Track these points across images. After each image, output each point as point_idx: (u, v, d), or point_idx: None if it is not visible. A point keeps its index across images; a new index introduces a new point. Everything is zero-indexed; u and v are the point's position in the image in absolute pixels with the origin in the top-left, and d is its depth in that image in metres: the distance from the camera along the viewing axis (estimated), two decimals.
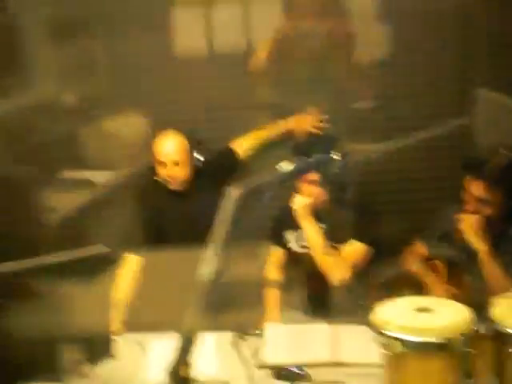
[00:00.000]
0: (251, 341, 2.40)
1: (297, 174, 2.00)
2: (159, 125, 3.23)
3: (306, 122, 3.10)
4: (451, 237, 2.59)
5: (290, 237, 2.80)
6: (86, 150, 3.43)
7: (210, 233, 2.84)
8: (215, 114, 3.35)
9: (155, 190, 2.91)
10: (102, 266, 2.06)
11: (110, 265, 2.21)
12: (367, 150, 2.91)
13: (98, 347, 2.10)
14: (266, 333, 2.40)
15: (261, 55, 3.25)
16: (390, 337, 1.59)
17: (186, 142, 2.83)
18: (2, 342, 1.95)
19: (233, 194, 1.77)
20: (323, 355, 2.20)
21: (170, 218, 2.88)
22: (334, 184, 2.54)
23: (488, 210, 2.46)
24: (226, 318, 2.39)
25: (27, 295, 1.97)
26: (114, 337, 2.14)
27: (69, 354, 2.05)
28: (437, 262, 2.65)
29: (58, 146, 3.38)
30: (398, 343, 1.58)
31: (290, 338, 2.36)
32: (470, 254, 2.52)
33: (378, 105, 3.35)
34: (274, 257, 2.89)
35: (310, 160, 2.10)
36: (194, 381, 1.62)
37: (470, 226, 2.45)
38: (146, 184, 2.98)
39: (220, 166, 2.98)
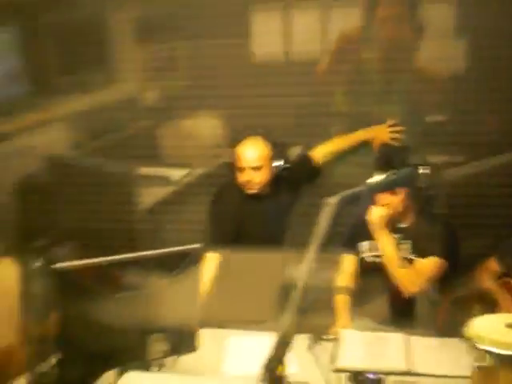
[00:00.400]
0: (325, 345, 2.46)
1: (387, 186, 2.04)
2: (234, 127, 3.33)
3: (384, 133, 3.14)
4: None
5: (364, 247, 2.84)
6: (164, 147, 3.52)
7: (282, 236, 2.94)
8: (290, 120, 3.38)
9: (233, 192, 2.98)
10: (188, 261, 2.13)
11: (195, 261, 2.27)
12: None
13: (182, 339, 2.17)
14: (342, 338, 2.45)
15: (325, 61, 3.27)
16: (483, 350, 1.63)
17: (267, 149, 2.90)
18: (94, 331, 2.02)
19: (330, 202, 1.82)
20: (399, 364, 2.24)
21: (244, 220, 2.94)
22: (418, 197, 2.57)
23: None
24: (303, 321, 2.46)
25: (121, 287, 2.05)
26: (198, 330, 2.21)
27: (156, 345, 2.13)
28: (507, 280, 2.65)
29: (138, 142, 3.48)
30: (491, 356, 1.63)
31: (365, 344, 2.42)
32: None
33: (453, 118, 3.32)
34: (346, 264, 2.94)
35: (401, 173, 2.14)
36: (287, 381, 1.66)
37: None
38: (225, 185, 3.05)
39: (297, 171, 3.04)
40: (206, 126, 3.52)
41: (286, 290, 2.77)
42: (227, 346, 2.45)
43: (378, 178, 2.22)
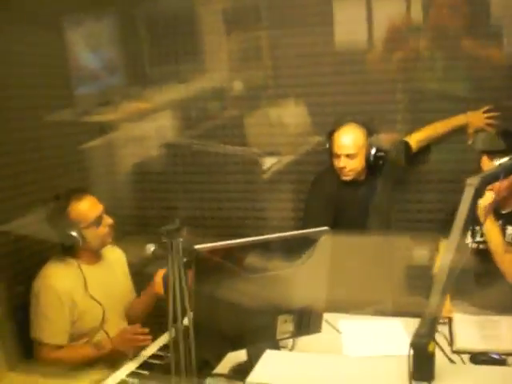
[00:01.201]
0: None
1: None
2: (319, 116, 3.36)
3: (480, 119, 3.13)
4: None
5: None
6: (252, 135, 3.57)
7: (378, 222, 2.97)
8: (379, 106, 3.39)
9: (330, 178, 3.02)
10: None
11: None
12: None
13: (309, 321, 2.22)
14: (454, 321, 2.48)
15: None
16: None
17: (363, 136, 2.94)
18: (225, 312, 2.07)
19: (471, 184, 1.84)
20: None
21: (341, 207, 2.98)
22: None
23: None
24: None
25: (251, 269, 2.10)
26: (323, 312, 2.26)
27: (284, 326, 2.18)
28: None
29: (227, 130, 3.54)
30: None
31: (477, 327, 2.44)
32: None
33: None
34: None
35: None
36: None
37: None
38: (322, 171, 3.10)
39: (394, 157, 3.05)
40: (292, 114, 3.55)
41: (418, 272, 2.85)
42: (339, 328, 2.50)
43: (503, 160, 2.23)
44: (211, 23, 3.50)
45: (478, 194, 1.86)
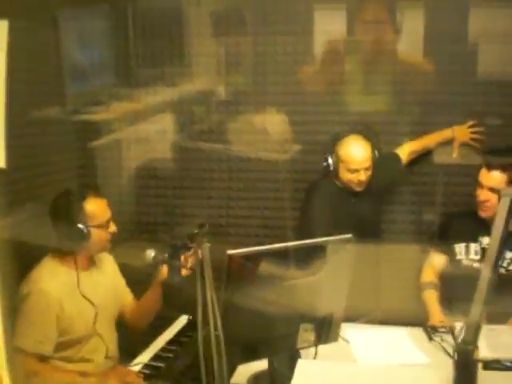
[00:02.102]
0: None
1: None
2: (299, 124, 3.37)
3: (465, 133, 3.23)
4: None
5: (460, 248, 2.91)
6: (233, 142, 3.54)
7: (373, 232, 3.00)
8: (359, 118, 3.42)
9: (328, 188, 3.04)
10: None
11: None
12: None
13: (328, 329, 2.21)
14: (458, 330, 2.51)
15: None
16: None
17: (370, 147, 2.95)
18: (251, 320, 2.03)
19: (506, 194, 1.88)
20: None
21: (339, 216, 2.98)
22: None
23: None
24: None
25: (276, 277, 2.07)
26: (340, 322, 2.25)
27: (304, 334, 2.16)
28: None
29: (211, 135, 3.50)
30: None
31: (481, 336, 2.48)
32: None
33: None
34: (435, 261, 3.01)
35: None
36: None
37: None
38: (319, 181, 3.12)
39: (385, 168, 3.10)
40: (273, 122, 3.54)
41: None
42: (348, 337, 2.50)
43: None
44: (200, 26, 3.44)
45: None
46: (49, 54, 3.12)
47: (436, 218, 3.20)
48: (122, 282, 2.82)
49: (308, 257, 2.15)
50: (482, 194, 2.77)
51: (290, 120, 3.49)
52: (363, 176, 2.92)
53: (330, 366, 2.00)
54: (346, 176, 2.95)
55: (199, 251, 1.93)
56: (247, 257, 2.01)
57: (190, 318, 2.90)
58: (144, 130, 3.47)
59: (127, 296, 2.81)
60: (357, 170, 2.92)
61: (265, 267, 2.08)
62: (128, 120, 3.43)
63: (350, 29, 3.37)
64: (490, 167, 2.75)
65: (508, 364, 2.26)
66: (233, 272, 1.94)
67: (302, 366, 1.87)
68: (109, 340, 2.61)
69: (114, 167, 3.52)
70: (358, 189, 2.96)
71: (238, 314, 2.00)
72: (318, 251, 2.20)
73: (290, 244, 2.07)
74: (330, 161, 2.97)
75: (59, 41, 3.21)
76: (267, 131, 3.55)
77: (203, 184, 3.51)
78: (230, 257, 1.93)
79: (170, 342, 2.75)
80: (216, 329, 1.86)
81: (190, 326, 2.89)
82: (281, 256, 2.13)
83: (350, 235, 2.15)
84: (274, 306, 2.06)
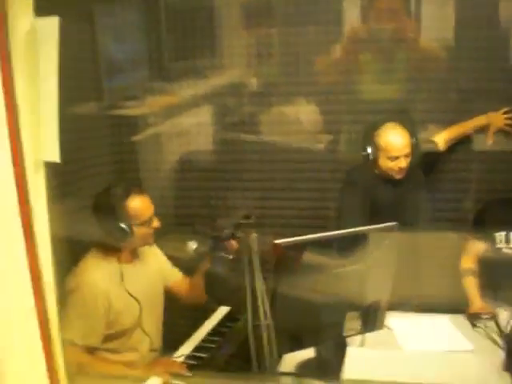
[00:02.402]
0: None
1: None
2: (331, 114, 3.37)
3: (500, 120, 3.22)
4: None
5: (501, 237, 2.89)
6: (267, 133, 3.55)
7: (413, 220, 2.99)
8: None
9: (366, 176, 3.04)
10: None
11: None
12: None
13: (373, 317, 2.21)
14: (501, 318, 2.52)
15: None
16: None
17: (408, 134, 2.94)
18: (300, 308, 2.05)
19: None
20: None
21: (378, 204, 2.98)
22: None
23: None
24: None
25: (315, 267, 2.08)
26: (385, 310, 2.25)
27: (351, 323, 2.17)
28: None
29: (244, 127, 3.51)
30: None
31: None
32: None
33: None
34: (473, 248, 3.00)
35: None
36: None
37: None
38: (356, 169, 3.13)
39: (424, 155, 3.09)
40: (304, 112, 3.54)
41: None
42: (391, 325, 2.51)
43: None
44: (230, 18, 3.45)
45: None
46: (85, 49, 3.14)
47: (474, 205, 3.17)
48: (167, 264, 2.83)
49: (351, 245, 2.16)
50: None
51: (321, 110, 3.48)
52: (404, 163, 2.92)
53: (379, 353, 2.01)
54: (386, 164, 2.94)
55: (247, 241, 1.94)
56: (292, 246, 2.02)
57: (230, 309, 2.94)
58: (179, 124, 3.48)
59: (176, 274, 2.82)
60: (397, 158, 2.91)
61: (308, 256, 2.09)
62: (163, 114, 3.44)
63: (374, 16, 3.34)
64: None
65: None
66: (279, 261, 1.95)
67: (352, 354, 1.88)
68: (153, 333, 2.64)
69: (151, 161, 3.54)
70: (399, 176, 2.95)
71: (285, 303, 2.02)
72: (360, 240, 2.20)
73: (335, 233, 2.08)
74: (370, 150, 2.96)
75: (95, 36, 3.23)
76: (300, 121, 3.55)
77: (240, 176, 3.52)
78: (276, 246, 1.94)
79: (211, 333, 2.78)
80: (266, 317, 1.87)
81: (230, 317, 2.92)
82: (323, 245, 2.14)
83: (394, 223, 2.15)
84: (320, 294, 2.06)
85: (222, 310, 3.00)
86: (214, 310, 3.01)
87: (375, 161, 2.96)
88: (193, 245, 2.41)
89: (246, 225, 1.99)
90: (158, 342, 2.69)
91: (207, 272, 2.62)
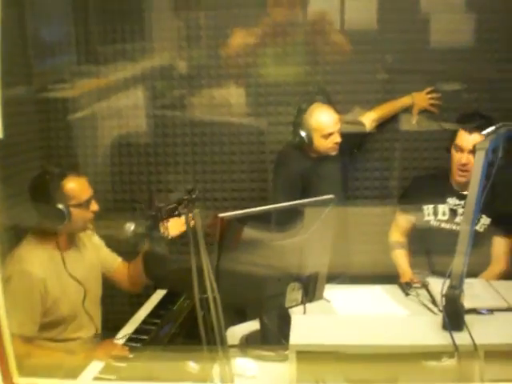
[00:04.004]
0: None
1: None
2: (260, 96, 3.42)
3: (424, 100, 3.35)
4: None
5: (428, 210, 3.04)
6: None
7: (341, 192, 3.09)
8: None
9: (297, 155, 3.12)
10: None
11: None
12: None
13: (314, 288, 2.29)
14: (432, 285, 2.64)
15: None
16: None
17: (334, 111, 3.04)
18: (244, 281, 2.09)
19: (482, 147, 1.98)
20: (498, 302, 2.46)
21: (309, 180, 3.06)
22: None
23: None
24: None
25: (256, 240, 2.13)
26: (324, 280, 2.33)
27: (292, 294, 2.23)
28: None
29: (174, 110, 3.51)
30: None
31: None
32: None
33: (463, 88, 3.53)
34: (402, 222, 3.14)
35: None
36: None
37: None
38: (287, 149, 3.20)
39: (351, 135, 3.19)
40: (233, 95, 3.57)
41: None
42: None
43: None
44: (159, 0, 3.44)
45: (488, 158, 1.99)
46: (12, 32, 3.05)
47: (401, 182, 3.31)
48: (105, 250, 2.80)
49: (290, 219, 2.21)
50: (463, 158, 2.88)
51: (251, 92, 3.52)
52: (338, 138, 3.01)
53: (324, 319, 2.08)
54: (321, 143, 3.02)
55: (190, 216, 1.95)
56: (234, 220, 2.06)
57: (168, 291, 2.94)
58: (111, 107, 3.44)
59: (115, 261, 2.81)
60: (331, 134, 2.99)
61: (249, 231, 2.13)
62: (94, 97, 3.39)
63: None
64: (470, 130, 2.84)
65: (484, 312, 2.37)
66: (222, 235, 1.98)
67: (297, 320, 1.93)
68: (97, 318, 2.61)
69: (84, 145, 3.49)
70: (334, 152, 3.03)
71: (228, 276, 2.05)
72: (298, 214, 2.26)
73: (277, 206, 2.13)
74: (304, 133, 3.02)
75: (22, 19, 3.14)
76: (230, 103, 3.58)
77: (176, 154, 3.52)
78: (219, 219, 1.96)
79: (150, 316, 2.77)
80: (213, 291, 1.90)
81: (168, 300, 2.92)
82: (263, 219, 2.18)
83: (331, 196, 2.22)
84: (262, 267, 2.11)
85: (160, 294, 2.99)
86: (150, 294, 2.99)
87: (310, 143, 3.02)
88: (130, 226, 2.39)
89: (189, 200, 1.99)
90: (99, 327, 2.67)
91: (146, 253, 2.60)
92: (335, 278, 2.86)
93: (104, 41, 3.36)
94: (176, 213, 2.08)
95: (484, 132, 2.09)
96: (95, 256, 2.72)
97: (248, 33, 3.35)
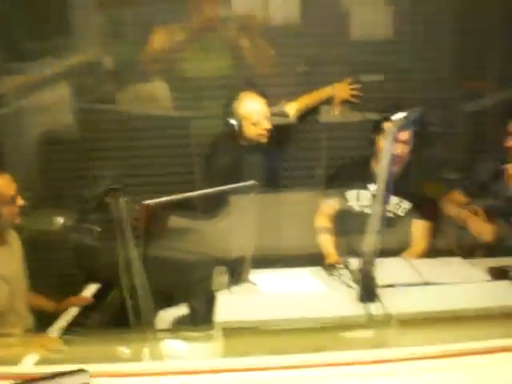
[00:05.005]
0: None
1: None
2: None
3: (345, 90, 3.50)
4: (488, 185, 3.09)
5: (351, 196, 3.18)
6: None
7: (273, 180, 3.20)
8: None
9: (228, 143, 3.21)
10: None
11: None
12: None
13: (239, 271, 2.38)
14: (352, 265, 2.78)
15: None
16: None
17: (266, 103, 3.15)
18: (158, 268, 2.17)
19: (390, 129, 2.12)
20: (416, 278, 2.62)
21: (240, 169, 3.13)
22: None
23: None
24: None
25: (183, 227, 2.22)
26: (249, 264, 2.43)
27: (219, 277, 2.32)
28: (475, 207, 3.13)
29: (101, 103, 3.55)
30: None
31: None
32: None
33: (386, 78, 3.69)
34: (328, 209, 3.27)
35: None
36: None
37: None
38: (219, 138, 3.29)
39: (278, 125, 3.30)
40: (159, 90, 3.63)
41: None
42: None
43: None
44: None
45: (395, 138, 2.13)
46: None
47: (325, 170, 3.44)
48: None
49: (215, 205, 2.30)
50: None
51: (177, 87, 3.57)
52: (267, 124, 3.11)
53: (248, 297, 2.18)
54: (251, 131, 3.11)
55: (117, 205, 2.01)
56: (160, 207, 2.13)
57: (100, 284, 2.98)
58: (36, 103, 3.43)
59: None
60: (261, 121, 3.10)
61: (176, 218, 2.20)
62: (18, 94, 3.38)
63: None
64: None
65: (400, 286, 2.52)
66: (148, 222, 2.04)
67: (222, 299, 2.02)
68: (24, 314, 2.63)
69: (12, 142, 3.47)
70: (264, 139, 3.14)
71: (156, 263, 2.12)
72: (222, 200, 2.35)
73: (200, 192, 2.21)
74: (234, 122, 3.11)
75: None
76: (156, 98, 3.63)
77: (104, 147, 3.56)
78: (147, 207, 2.03)
79: (83, 308, 2.81)
80: (140, 277, 1.97)
81: (99, 292, 2.96)
82: (188, 207, 2.26)
83: (253, 182, 2.32)
84: (188, 253, 2.19)
85: (92, 287, 3.03)
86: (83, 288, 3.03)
87: (241, 130, 3.11)
88: (59, 220, 2.42)
89: (115, 190, 2.05)
90: (30, 322, 2.69)
91: (77, 246, 2.64)
92: (274, 263, 2.96)
93: (29, 38, 3.34)
94: (102, 206, 2.12)
95: (394, 118, 2.22)
96: (20, 254, 2.74)
97: (170, 30, 3.38)
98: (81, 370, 1.26)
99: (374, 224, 2.03)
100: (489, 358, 1.61)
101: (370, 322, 1.92)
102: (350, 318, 1.94)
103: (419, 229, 3.13)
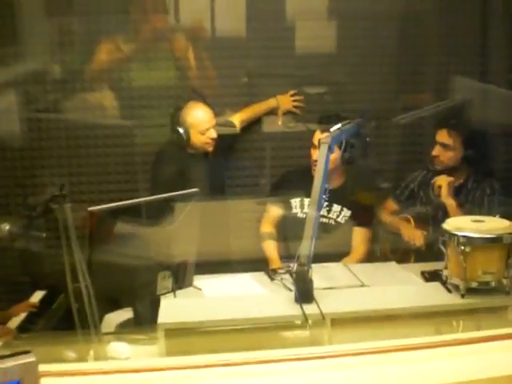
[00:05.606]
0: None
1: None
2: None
3: (288, 102, 3.64)
4: (417, 195, 3.27)
5: (295, 203, 3.30)
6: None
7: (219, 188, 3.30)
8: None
9: (175, 152, 3.31)
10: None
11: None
12: None
13: (183, 275, 2.47)
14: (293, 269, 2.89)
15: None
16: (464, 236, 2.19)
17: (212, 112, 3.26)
18: (104, 273, 2.24)
19: (325, 142, 2.26)
20: (353, 281, 2.76)
21: (187, 177, 3.24)
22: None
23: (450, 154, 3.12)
24: None
25: (128, 232, 2.30)
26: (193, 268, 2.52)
27: (163, 281, 2.41)
28: (406, 216, 3.31)
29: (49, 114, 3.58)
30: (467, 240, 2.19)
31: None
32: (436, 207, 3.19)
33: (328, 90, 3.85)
34: (272, 214, 3.39)
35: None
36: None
37: (444, 186, 3.11)
38: (165, 147, 3.38)
39: (223, 135, 3.41)
40: (109, 99, 3.69)
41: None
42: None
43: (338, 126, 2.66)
44: (31, 5, 3.48)
45: (331, 150, 2.26)
46: None
47: (269, 178, 3.56)
48: None
49: (159, 212, 2.38)
50: (315, 155, 3.13)
51: (122, 96, 3.64)
52: (214, 133, 3.23)
53: (191, 300, 2.27)
54: (198, 139, 3.22)
55: (62, 211, 2.07)
56: (106, 213, 2.20)
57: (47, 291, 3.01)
58: None
59: None
60: (207, 129, 3.20)
61: (121, 224, 2.28)
62: None
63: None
64: (323, 130, 3.09)
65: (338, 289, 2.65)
66: (93, 228, 2.12)
67: (165, 303, 2.11)
68: None
69: None
70: (211, 148, 3.25)
71: (101, 267, 2.18)
72: (166, 206, 2.44)
73: (146, 199, 2.30)
74: (182, 130, 3.20)
75: None
76: (104, 106, 3.68)
77: (50, 155, 3.57)
78: (91, 213, 2.10)
79: (30, 315, 2.83)
80: (85, 280, 2.04)
81: (45, 300, 2.99)
82: (133, 213, 2.34)
83: (196, 189, 2.42)
84: (133, 257, 2.26)
85: (39, 294, 3.05)
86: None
87: (188, 139, 3.20)
88: (5, 226, 2.45)
89: (60, 196, 2.11)
90: None
91: (24, 253, 2.67)
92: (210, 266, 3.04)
93: None
94: (47, 212, 2.17)
95: (331, 129, 2.35)
96: None
97: (116, 41, 3.45)
98: (26, 351, 1.32)
99: (308, 228, 2.14)
100: (420, 353, 1.71)
101: (305, 322, 2.02)
102: (286, 318, 2.04)
103: (359, 235, 3.27)
